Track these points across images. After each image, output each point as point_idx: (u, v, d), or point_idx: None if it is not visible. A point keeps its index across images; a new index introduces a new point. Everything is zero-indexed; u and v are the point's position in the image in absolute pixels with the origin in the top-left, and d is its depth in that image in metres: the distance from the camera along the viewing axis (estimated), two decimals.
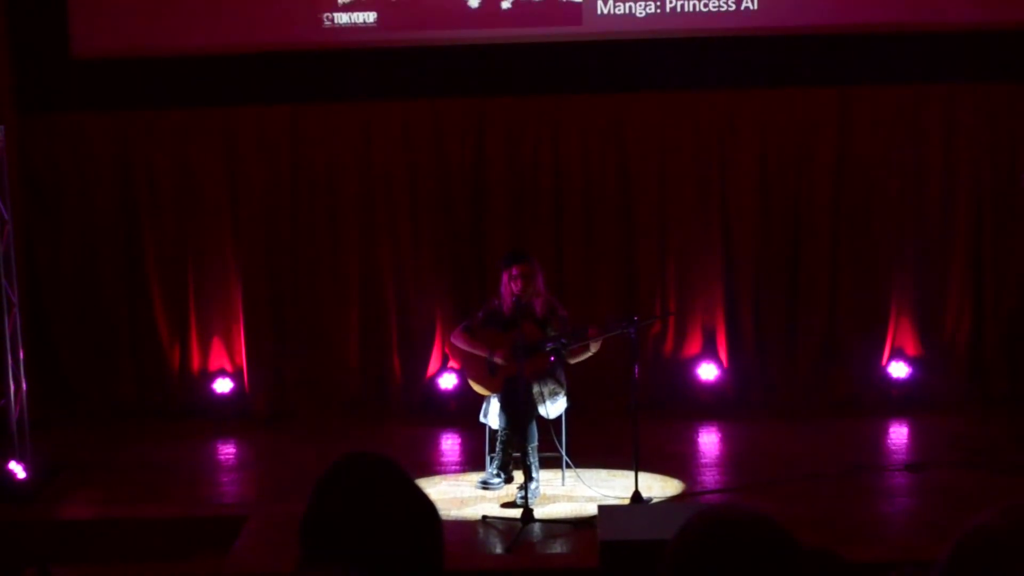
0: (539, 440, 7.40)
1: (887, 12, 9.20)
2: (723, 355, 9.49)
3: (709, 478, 7.95)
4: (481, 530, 6.94)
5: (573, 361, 7.57)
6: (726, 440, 9.02)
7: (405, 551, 2.12)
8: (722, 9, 9.14)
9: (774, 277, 9.53)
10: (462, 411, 8.98)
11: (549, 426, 7.51)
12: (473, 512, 7.15)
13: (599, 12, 9.16)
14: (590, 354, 7.54)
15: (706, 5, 9.14)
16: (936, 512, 7.18)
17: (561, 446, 7.55)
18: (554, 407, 7.48)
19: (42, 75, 9.42)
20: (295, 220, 9.54)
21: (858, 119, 9.41)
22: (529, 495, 7.06)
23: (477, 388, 7.69)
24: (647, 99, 9.46)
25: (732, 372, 9.48)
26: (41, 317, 9.56)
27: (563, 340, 7.38)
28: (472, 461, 8.20)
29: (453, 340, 7.87)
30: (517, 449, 7.36)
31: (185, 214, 9.54)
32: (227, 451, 9.02)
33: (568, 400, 7.58)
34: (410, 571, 2.10)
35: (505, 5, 9.17)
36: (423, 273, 9.52)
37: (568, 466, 7.60)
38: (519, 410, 7.18)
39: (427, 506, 2.19)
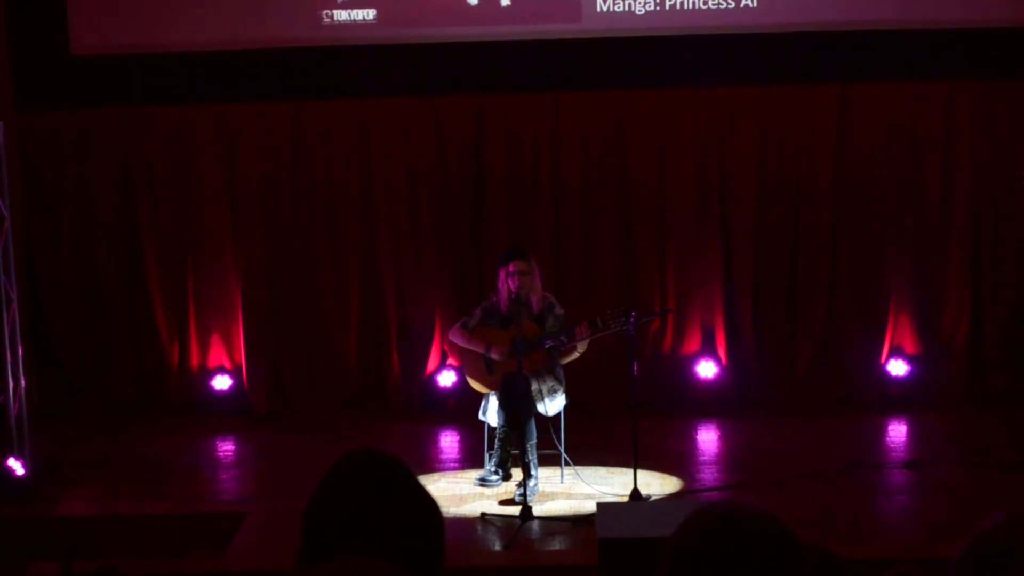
0: (538, 437, 7.41)
1: (887, 9, 9.19)
2: (722, 353, 9.49)
3: (708, 475, 7.96)
4: (480, 527, 6.94)
5: (562, 361, 7.58)
6: (725, 437, 9.02)
7: (406, 548, 2.13)
8: (722, 7, 9.14)
9: (773, 275, 9.53)
10: (461, 408, 8.99)
11: (548, 423, 7.52)
12: (472, 509, 7.15)
13: (598, 9, 9.15)
14: (577, 354, 7.55)
15: (705, 2, 9.13)
16: (935, 510, 7.19)
17: (560, 443, 7.55)
18: (553, 404, 7.49)
19: (41, 72, 9.41)
20: (294, 217, 9.54)
21: (857, 117, 9.40)
22: (528, 492, 7.07)
23: (476, 385, 7.70)
24: (646, 96, 9.45)
25: (731, 370, 9.48)
26: (40, 314, 9.56)
27: (562, 337, 7.39)
28: (471, 458, 8.20)
29: (451, 337, 7.88)
30: (516, 446, 7.36)
31: (184, 210, 9.53)
32: (226, 448, 9.02)
33: (567, 397, 7.58)
34: (411, 568, 2.10)
35: (504, 2, 9.17)
36: (422, 269, 9.52)
37: (567, 463, 7.60)
38: (518, 407, 7.19)
39: (430, 504, 2.19)
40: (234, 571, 6.44)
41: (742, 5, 9.13)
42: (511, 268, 7.45)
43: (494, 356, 7.50)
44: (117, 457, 8.52)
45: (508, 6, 9.17)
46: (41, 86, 9.42)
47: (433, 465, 8.20)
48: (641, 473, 7.24)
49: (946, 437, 8.57)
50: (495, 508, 7.17)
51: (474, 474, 7.76)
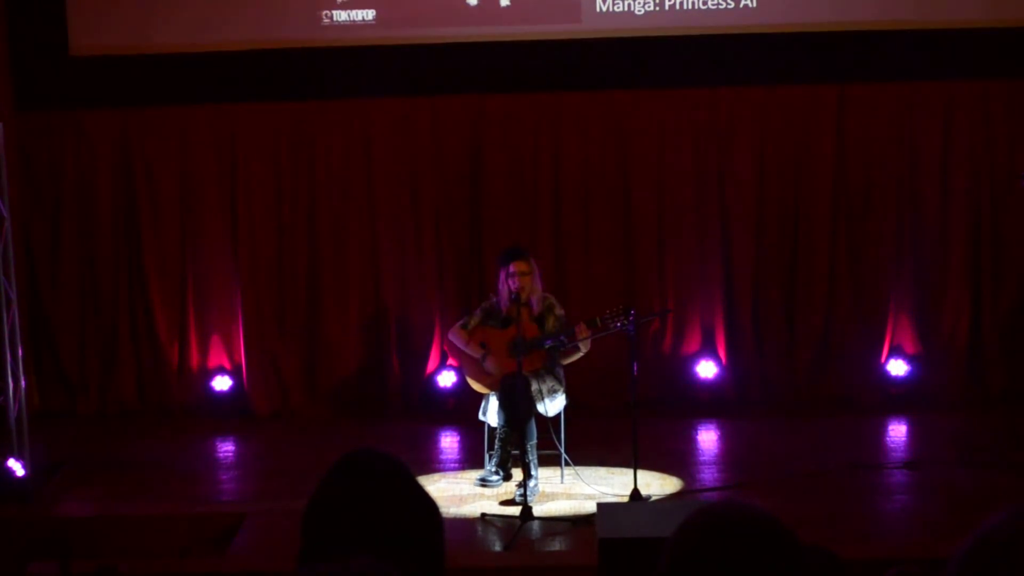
0: (538, 438, 7.40)
1: (885, 10, 9.19)
2: (722, 353, 9.49)
3: (708, 476, 7.95)
4: (480, 528, 6.94)
5: (565, 362, 7.58)
6: (725, 438, 9.02)
7: (407, 548, 2.13)
8: (721, 7, 9.14)
9: (773, 274, 9.53)
10: (461, 409, 8.99)
11: (548, 424, 7.52)
12: (472, 510, 7.15)
13: (598, 9, 9.16)
14: (580, 354, 7.55)
15: (705, 3, 9.14)
16: (934, 510, 7.19)
17: (560, 444, 7.55)
18: (553, 405, 7.49)
19: (41, 72, 9.41)
20: (294, 217, 9.54)
21: (856, 117, 9.41)
22: (528, 493, 7.06)
23: (476, 386, 7.70)
24: (646, 97, 9.45)
25: (731, 370, 9.48)
26: (40, 314, 9.56)
27: (562, 338, 7.39)
28: (471, 459, 8.20)
29: (450, 337, 7.87)
30: (516, 447, 7.36)
31: (184, 211, 9.54)
32: (226, 449, 9.02)
33: (567, 397, 7.58)
34: (412, 569, 2.10)
35: (504, 3, 9.17)
36: (422, 270, 9.52)
37: (567, 464, 7.60)
38: (518, 408, 7.18)
39: (430, 505, 2.20)
40: (234, 571, 6.44)
41: (741, 5, 9.13)
42: (511, 269, 7.45)
43: (488, 368, 7.51)
44: (117, 457, 8.52)
45: (508, 6, 9.17)
46: (41, 87, 9.43)
47: (433, 465, 8.20)
48: (641, 473, 7.24)
49: (946, 437, 8.56)
50: (495, 508, 7.17)
51: (474, 474, 7.76)
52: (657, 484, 7.57)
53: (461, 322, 7.77)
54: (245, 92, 9.48)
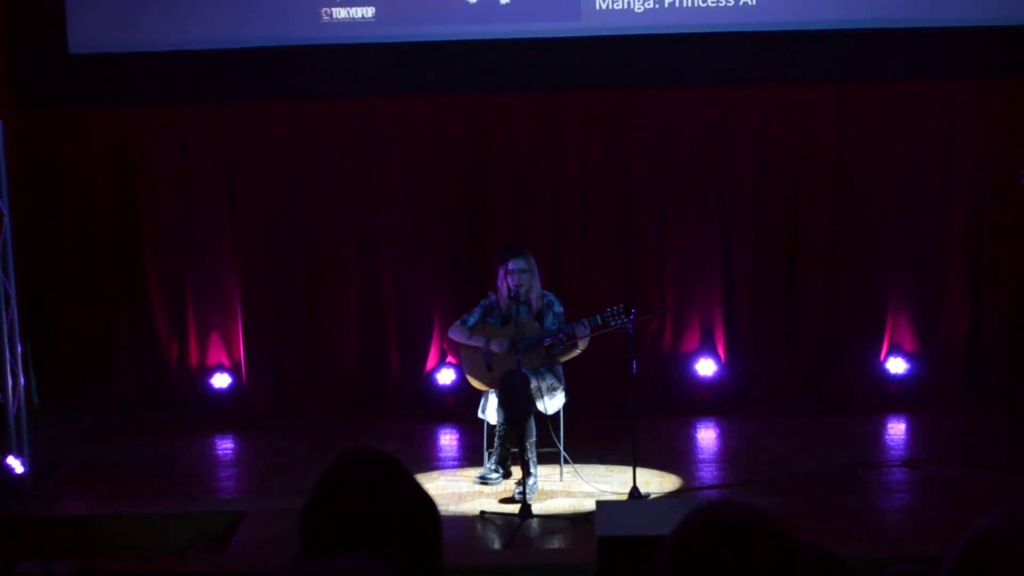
0: (537, 435, 7.41)
1: (886, 9, 9.18)
2: (721, 351, 9.49)
3: (707, 474, 7.96)
4: (479, 525, 6.95)
5: (563, 359, 7.58)
6: (724, 436, 9.02)
7: (405, 547, 2.13)
8: (720, 5, 9.13)
9: (772, 273, 9.53)
10: (460, 406, 8.99)
11: (547, 421, 7.52)
12: (471, 507, 7.16)
13: (597, 7, 9.15)
14: (578, 352, 7.56)
15: (704, 1, 9.13)
16: (934, 509, 7.19)
17: (559, 442, 7.55)
18: (552, 402, 7.49)
19: (40, 70, 9.41)
20: (293, 215, 9.54)
21: (856, 116, 9.41)
22: (527, 490, 7.07)
23: (475, 383, 7.70)
24: (645, 95, 9.45)
25: (730, 368, 9.48)
26: (39, 312, 9.55)
27: (560, 335, 7.39)
28: (470, 456, 8.21)
29: (450, 334, 7.87)
30: (515, 444, 7.36)
31: (184, 209, 9.54)
32: (225, 446, 9.02)
33: (566, 395, 7.59)
34: (410, 567, 2.10)
35: (503, 0, 9.16)
36: (421, 268, 9.52)
37: (566, 461, 7.61)
38: (517, 405, 7.19)
39: (428, 503, 2.20)
40: (234, 571, 6.44)
41: (741, 3, 9.12)
42: (510, 266, 7.46)
43: (494, 349, 7.50)
44: (116, 456, 8.51)
45: (507, 4, 9.16)
46: (41, 86, 9.42)
47: (432, 463, 8.21)
48: (640, 471, 7.24)
49: (945, 435, 8.57)
50: (495, 506, 7.17)
51: (474, 472, 7.77)
52: (656, 482, 7.57)
53: (461, 319, 7.77)
54: (244, 90, 9.47)
